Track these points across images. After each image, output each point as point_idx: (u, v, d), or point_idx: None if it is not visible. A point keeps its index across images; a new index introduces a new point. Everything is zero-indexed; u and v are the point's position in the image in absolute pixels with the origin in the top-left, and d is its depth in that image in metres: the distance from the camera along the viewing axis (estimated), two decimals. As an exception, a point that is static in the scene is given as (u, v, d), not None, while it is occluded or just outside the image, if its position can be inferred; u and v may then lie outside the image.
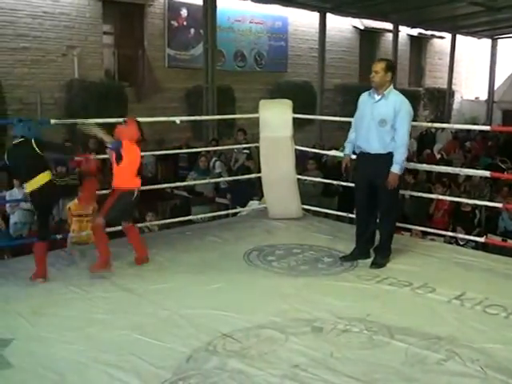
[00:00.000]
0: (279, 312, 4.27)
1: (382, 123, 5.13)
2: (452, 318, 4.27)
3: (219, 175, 9.37)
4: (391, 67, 5.25)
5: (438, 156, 13.94)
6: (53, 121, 6.07)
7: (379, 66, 5.17)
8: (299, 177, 7.23)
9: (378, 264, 5.35)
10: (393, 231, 5.55)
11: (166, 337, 3.88)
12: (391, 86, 5.23)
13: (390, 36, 18.98)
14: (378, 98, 5.21)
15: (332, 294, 4.67)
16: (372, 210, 5.48)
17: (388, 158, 5.17)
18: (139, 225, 7.16)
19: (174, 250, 5.87)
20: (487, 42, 23.06)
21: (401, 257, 5.64)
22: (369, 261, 5.44)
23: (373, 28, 18.90)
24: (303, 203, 7.16)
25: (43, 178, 4.81)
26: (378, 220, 5.54)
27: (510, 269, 5.44)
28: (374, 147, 5.22)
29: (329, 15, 16.49)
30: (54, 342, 3.83)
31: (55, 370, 3.47)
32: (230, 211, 7.94)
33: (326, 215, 7.54)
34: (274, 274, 5.20)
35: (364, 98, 5.36)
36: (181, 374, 3.41)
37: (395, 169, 5.15)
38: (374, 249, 5.54)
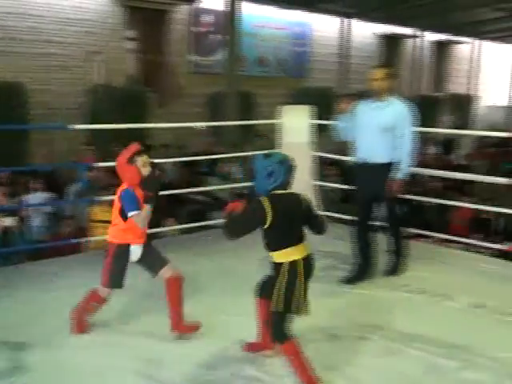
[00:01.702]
0: (296, 319, 4.26)
1: (386, 131, 5.00)
2: (469, 326, 4.26)
3: (238, 181, 9.38)
4: (391, 74, 5.10)
5: (459, 163, 13.80)
6: (77, 126, 6.18)
7: (379, 74, 5.03)
8: (319, 183, 7.24)
9: (392, 272, 5.33)
10: (402, 238, 5.43)
11: (184, 343, 3.93)
12: (392, 93, 5.10)
13: (411, 41, 18.91)
14: (379, 105, 5.06)
15: (348, 302, 4.67)
16: (371, 223, 5.32)
17: (393, 166, 5.06)
18: (158, 230, 7.23)
19: (193, 254, 5.91)
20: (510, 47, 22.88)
21: (419, 264, 5.62)
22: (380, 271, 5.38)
23: (395, 34, 18.86)
24: (323, 209, 7.16)
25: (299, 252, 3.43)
26: (384, 230, 5.43)
27: (529, 277, 5.41)
28: (379, 156, 5.06)
29: (352, 21, 16.50)
30: (72, 347, 3.89)
31: (74, 374, 3.54)
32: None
33: (345, 221, 7.52)
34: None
35: (363, 106, 5.15)
36: (197, 380, 3.45)
37: (400, 175, 5.03)
38: (389, 256, 5.43)
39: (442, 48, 21.37)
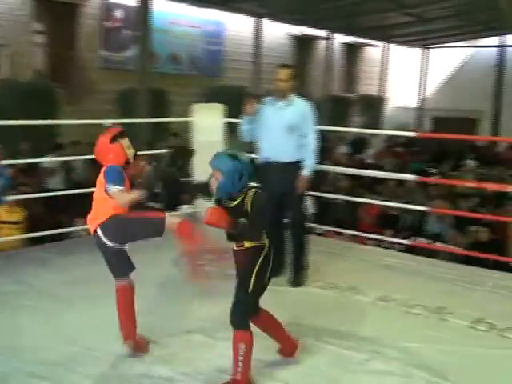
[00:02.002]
0: (209, 317, 4.26)
1: (291, 130, 5.02)
2: (377, 318, 4.38)
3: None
4: (295, 73, 5.14)
5: (369, 161, 14.20)
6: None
7: (285, 74, 5.04)
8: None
9: (297, 282, 5.16)
10: (307, 242, 5.32)
11: (92, 344, 3.83)
12: (295, 93, 5.15)
13: (323, 43, 19.29)
14: (283, 105, 5.08)
15: (261, 299, 4.68)
16: (279, 225, 5.26)
17: (299, 165, 5.08)
18: (66, 230, 7.02)
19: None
20: (419, 51, 23.77)
21: (330, 260, 5.74)
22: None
23: (307, 35, 19.16)
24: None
25: None
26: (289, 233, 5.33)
27: (434, 270, 5.64)
28: (286, 155, 5.06)
29: (265, 21, 16.65)
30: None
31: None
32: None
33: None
34: (205, 279, 5.18)
35: (268, 106, 5.13)
36: (104, 382, 3.38)
37: (306, 172, 5.05)
38: (291, 266, 5.27)
39: (353, 50, 21.93)
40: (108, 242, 3.60)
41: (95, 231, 3.60)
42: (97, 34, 13.71)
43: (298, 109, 5.09)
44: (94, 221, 3.62)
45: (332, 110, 18.54)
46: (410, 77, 24.15)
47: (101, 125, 6.50)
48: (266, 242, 3.45)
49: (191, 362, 3.60)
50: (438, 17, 17.47)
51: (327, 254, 5.79)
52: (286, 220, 5.34)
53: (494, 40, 21.97)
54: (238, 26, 16.86)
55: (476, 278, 5.41)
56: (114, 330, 3.96)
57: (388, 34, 20.77)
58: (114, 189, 3.50)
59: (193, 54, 15.83)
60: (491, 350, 3.95)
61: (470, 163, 14.31)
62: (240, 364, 3.29)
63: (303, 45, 19.41)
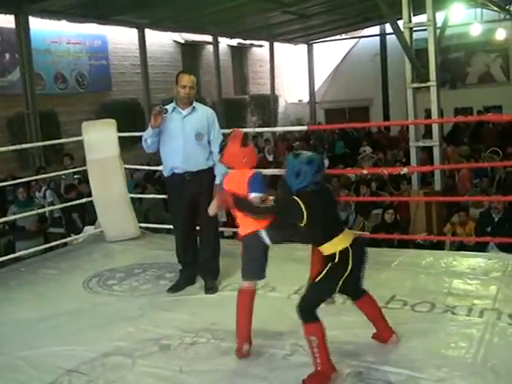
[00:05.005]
0: (124, 336, 4.15)
1: (199, 137, 4.97)
2: (293, 312, 4.37)
3: (52, 204, 8.96)
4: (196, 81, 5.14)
5: (270, 159, 14.42)
6: None
7: (191, 80, 5.00)
8: (139, 196, 7.12)
9: (212, 289, 5.08)
10: (219, 248, 5.29)
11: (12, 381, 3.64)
12: (196, 99, 5.15)
13: (210, 48, 19.34)
14: (187, 112, 5.02)
15: (177, 309, 4.64)
16: (192, 233, 5.22)
17: (210, 172, 5.04)
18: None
19: (6, 288, 5.51)
20: (304, 47, 24.32)
21: (239, 261, 5.71)
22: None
23: (193, 41, 19.15)
24: (147, 221, 7.06)
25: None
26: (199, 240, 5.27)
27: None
28: (197, 164, 5.00)
29: (148, 31, 16.48)
30: None
31: None
32: (66, 240, 7.58)
33: (168, 231, 7.48)
34: (116, 298, 5.06)
35: (172, 115, 5.01)
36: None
37: (219, 180, 4.88)
38: (202, 273, 5.24)
39: (241, 52, 22.10)
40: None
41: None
42: (-25, 60, 13.12)
43: (203, 115, 5.05)
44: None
45: (225, 112, 18.62)
46: (300, 73, 24.66)
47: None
48: (336, 249, 3.48)
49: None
50: (316, 13, 17.95)
51: (234, 255, 5.75)
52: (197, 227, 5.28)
53: (376, 29, 22.87)
54: (121, 39, 16.62)
55: (383, 259, 5.55)
56: (27, 365, 3.84)
57: (272, 33, 21.10)
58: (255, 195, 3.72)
59: (78, 71, 15.43)
60: (405, 326, 4.05)
61: (367, 149, 14.86)
62: (315, 356, 3.39)
63: (190, 51, 19.37)
